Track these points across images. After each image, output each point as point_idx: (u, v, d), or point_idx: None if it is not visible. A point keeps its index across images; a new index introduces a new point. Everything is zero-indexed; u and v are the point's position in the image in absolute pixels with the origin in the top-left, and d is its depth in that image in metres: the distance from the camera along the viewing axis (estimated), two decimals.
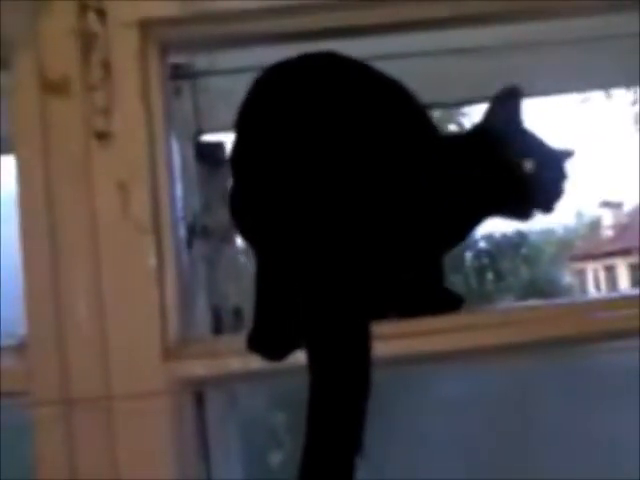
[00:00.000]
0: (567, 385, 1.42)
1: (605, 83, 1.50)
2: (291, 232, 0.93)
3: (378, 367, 0.92)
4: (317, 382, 0.90)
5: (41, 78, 1.02)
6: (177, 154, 1.14)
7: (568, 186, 1.06)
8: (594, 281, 12.19)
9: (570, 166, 1.06)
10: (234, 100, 1.00)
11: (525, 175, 1.02)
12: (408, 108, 1.00)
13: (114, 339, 1.00)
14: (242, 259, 1.34)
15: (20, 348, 1.02)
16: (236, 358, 1.01)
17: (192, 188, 1.28)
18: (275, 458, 1.38)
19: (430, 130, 1.02)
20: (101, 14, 1.02)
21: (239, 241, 1.32)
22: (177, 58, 1.22)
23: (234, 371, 1.03)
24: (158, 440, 1.00)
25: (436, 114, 1.05)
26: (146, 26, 1.04)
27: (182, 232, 1.15)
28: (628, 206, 12.43)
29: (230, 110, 1.01)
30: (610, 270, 12.01)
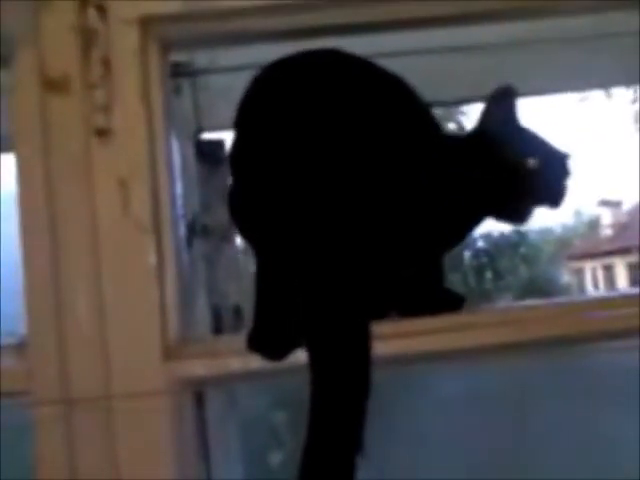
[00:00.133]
0: (566, 384, 1.42)
1: (605, 82, 1.50)
2: (291, 231, 0.93)
3: (378, 366, 0.92)
4: (318, 381, 0.90)
5: (41, 75, 1.02)
6: (177, 152, 1.14)
7: (569, 184, 1.06)
8: (592, 280, 12.20)
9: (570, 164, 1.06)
10: (234, 98, 1.00)
11: (527, 174, 1.02)
12: (410, 106, 0.99)
13: (114, 338, 1.00)
14: (242, 258, 1.34)
15: (20, 347, 1.02)
16: (236, 358, 1.01)
17: (192, 187, 1.28)
18: (275, 458, 1.38)
19: (432, 128, 1.02)
20: (101, 11, 1.02)
21: (239, 240, 1.31)
22: (177, 56, 1.22)
23: (234, 371, 1.03)
24: (158, 440, 1.00)
25: (435, 112, 1.05)
26: (146, 23, 1.04)
27: (182, 231, 1.15)
28: (627, 205, 12.45)
29: (230, 108, 1.00)
30: (609, 269, 12.03)
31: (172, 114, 1.12)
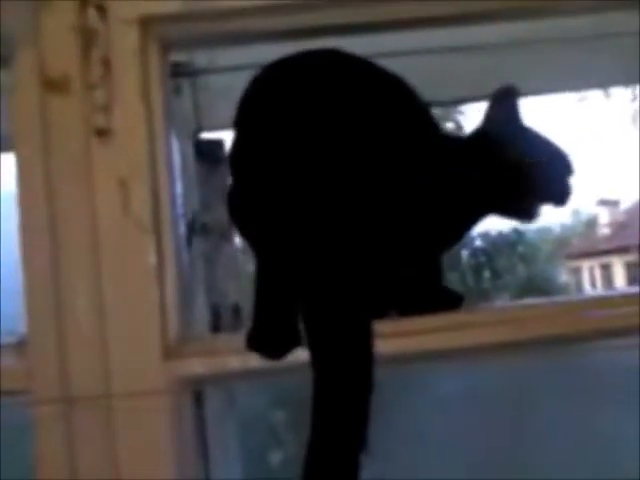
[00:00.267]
0: (564, 383, 1.43)
1: (604, 82, 1.50)
2: (291, 230, 0.93)
3: (377, 365, 0.92)
4: (321, 380, 0.90)
5: (41, 75, 1.02)
6: (177, 152, 1.14)
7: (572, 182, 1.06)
8: (590, 279, 12.20)
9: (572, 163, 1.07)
10: (234, 98, 1.00)
11: (530, 172, 1.02)
12: (410, 106, 1.00)
13: (114, 338, 1.00)
14: (241, 257, 1.34)
15: (20, 346, 1.02)
16: (235, 357, 1.01)
17: (191, 186, 1.28)
18: (275, 457, 1.38)
19: (432, 128, 1.02)
20: (101, 11, 1.02)
21: (238, 239, 1.31)
22: (177, 56, 1.22)
23: (233, 370, 1.03)
24: (157, 438, 1.00)
25: (434, 112, 1.05)
26: (146, 23, 1.04)
27: (182, 230, 1.15)
28: (625, 204, 12.45)
29: (230, 108, 1.01)
30: (606, 268, 12.03)
31: (172, 114, 1.12)
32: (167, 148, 1.06)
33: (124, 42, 1.03)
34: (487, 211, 1.05)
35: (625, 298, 1.11)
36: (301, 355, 0.94)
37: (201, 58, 1.28)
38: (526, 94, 1.32)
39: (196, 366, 1.03)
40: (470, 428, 1.40)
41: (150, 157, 1.03)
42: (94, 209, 1.01)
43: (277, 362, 0.98)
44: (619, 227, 12.06)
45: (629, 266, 11.19)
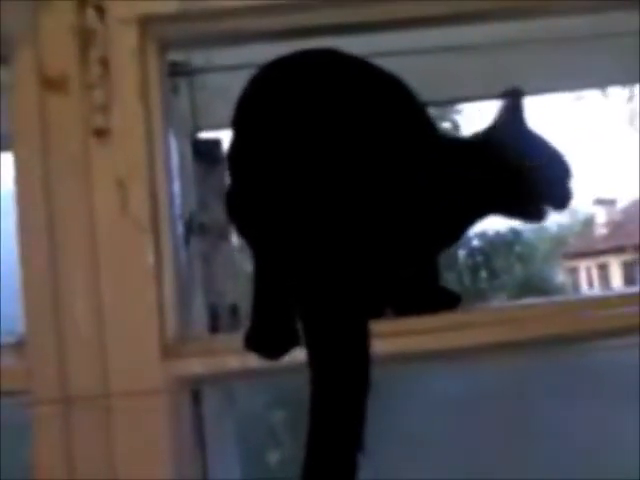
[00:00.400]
0: (563, 383, 1.43)
1: (601, 81, 1.50)
2: (288, 230, 0.93)
3: (374, 365, 0.92)
4: (318, 380, 0.91)
5: (40, 75, 1.02)
6: (174, 151, 1.14)
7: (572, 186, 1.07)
8: (587, 279, 12.20)
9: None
10: (231, 97, 1.00)
11: (530, 176, 1.02)
12: (407, 106, 1.00)
13: (112, 337, 1.00)
14: (238, 257, 1.34)
15: (19, 346, 1.02)
16: (234, 356, 1.01)
17: (189, 185, 1.28)
18: (273, 456, 1.38)
19: (429, 128, 1.02)
20: (100, 11, 1.02)
21: (235, 239, 1.31)
22: (174, 55, 1.22)
23: (232, 369, 1.03)
24: (156, 438, 1.00)
25: (431, 111, 1.06)
26: (145, 23, 1.04)
27: (180, 230, 1.15)
28: (622, 203, 12.44)
29: (227, 107, 1.01)
30: (603, 268, 12.03)
31: (170, 114, 1.12)
32: (165, 148, 1.07)
33: (122, 42, 1.03)
34: (486, 212, 1.06)
35: (623, 298, 1.11)
36: (299, 355, 0.94)
37: (198, 58, 1.28)
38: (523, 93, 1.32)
39: (194, 366, 1.03)
40: (468, 428, 1.40)
41: (148, 157, 1.03)
42: (92, 209, 1.01)
43: (275, 362, 0.98)
44: (616, 227, 12.06)
45: (626, 266, 11.19)
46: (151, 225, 1.02)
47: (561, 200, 1.06)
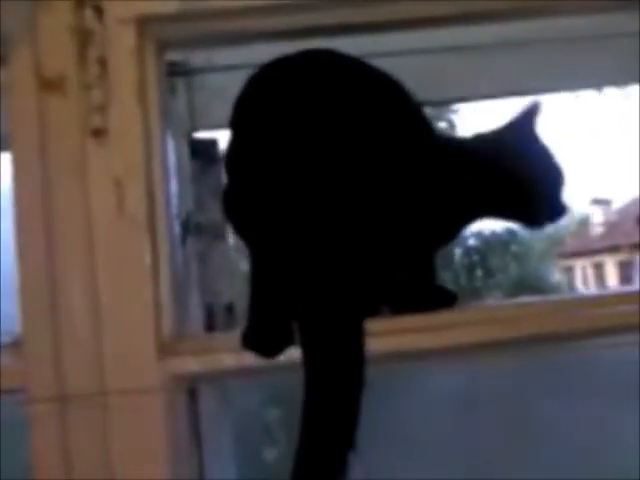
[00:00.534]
0: (558, 381, 1.43)
1: (600, 82, 1.50)
2: (285, 230, 0.94)
3: (369, 364, 0.93)
4: (311, 379, 0.91)
5: (38, 75, 1.02)
6: (172, 152, 1.14)
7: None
8: (582, 278, 12.20)
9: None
10: (229, 97, 1.01)
11: (526, 185, 1.03)
12: (404, 107, 1.00)
13: (109, 336, 1.00)
14: (234, 256, 1.34)
15: (16, 345, 1.02)
16: (230, 354, 1.02)
17: (186, 185, 1.28)
18: (269, 454, 1.39)
19: (425, 129, 1.03)
20: (98, 11, 1.02)
21: (231, 238, 1.32)
22: (173, 55, 1.22)
23: (228, 367, 1.03)
24: (152, 436, 1.00)
25: (427, 111, 1.06)
26: (143, 23, 1.04)
27: (177, 229, 1.15)
28: (617, 203, 12.45)
29: (225, 108, 1.01)
30: (599, 267, 12.03)
31: (168, 114, 1.12)
32: (162, 148, 1.07)
33: (120, 42, 1.03)
34: (480, 214, 1.06)
35: (618, 297, 1.12)
36: (295, 354, 0.95)
37: (196, 58, 1.29)
38: (520, 94, 1.33)
39: (191, 364, 1.03)
40: (465, 427, 1.40)
41: (146, 157, 1.03)
42: (89, 208, 1.01)
43: (271, 360, 0.98)
44: (612, 226, 12.06)
45: (621, 265, 11.20)
46: (148, 224, 1.02)
47: (551, 213, 1.06)
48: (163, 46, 1.09)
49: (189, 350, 1.03)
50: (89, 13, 1.02)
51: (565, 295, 2.16)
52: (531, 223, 1.07)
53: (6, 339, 1.07)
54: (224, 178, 1.01)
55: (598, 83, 1.53)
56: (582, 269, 12.32)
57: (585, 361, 1.41)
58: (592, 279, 12.03)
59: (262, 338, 0.99)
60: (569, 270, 12.20)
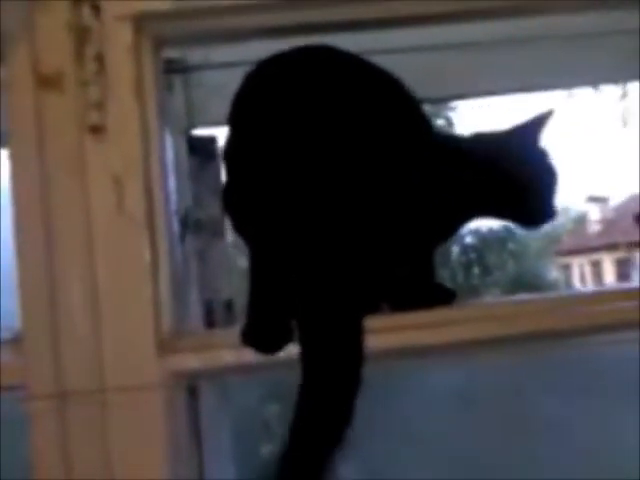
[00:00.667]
0: (557, 378, 1.43)
1: (596, 79, 1.50)
2: (285, 227, 0.94)
3: (368, 360, 0.93)
4: (306, 375, 0.91)
5: (35, 72, 1.02)
6: (170, 149, 1.14)
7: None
8: (580, 276, 12.21)
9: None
10: (226, 94, 1.01)
11: (523, 186, 1.03)
12: (403, 104, 1.00)
13: (108, 332, 1.01)
14: (233, 252, 1.34)
15: (15, 342, 1.02)
16: (229, 351, 1.02)
17: (184, 182, 1.28)
18: (267, 449, 1.39)
19: (424, 126, 1.03)
20: (95, 8, 1.02)
21: (230, 235, 1.32)
22: (170, 52, 1.22)
23: (227, 364, 1.03)
24: (151, 433, 1.00)
25: (425, 108, 1.06)
26: (140, 20, 1.04)
27: (175, 226, 1.15)
28: (615, 201, 12.46)
29: (222, 105, 1.01)
30: (596, 265, 12.05)
31: (165, 111, 1.12)
32: (161, 145, 1.07)
33: (118, 39, 1.03)
34: (477, 212, 1.07)
35: (615, 294, 1.12)
36: (294, 350, 0.94)
37: (194, 55, 1.29)
38: (519, 91, 1.33)
39: (190, 361, 1.03)
40: (462, 425, 1.40)
41: (144, 154, 1.04)
42: (88, 205, 1.01)
43: (271, 357, 0.98)
44: (609, 224, 12.07)
45: (619, 263, 11.22)
46: (147, 221, 1.03)
47: (544, 215, 1.07)
48: (160, 43, 1.09)
49: (189, 347, 1.03)
50: (86, 10, 1.02)
51: (563, 292, 2.16)
52: (526, 223, 1.08)
53: (6, 335, 1.07)
54: (222, 175, 1.01)
55: (596, 80, 1.53)
56: (580, 267, 12.33)
57: (584, 358, 1.41)
58: (590, 277, 12.04)
59: (261, 335, 0.99)
60: (567, 268, 12.21)
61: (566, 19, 1.23)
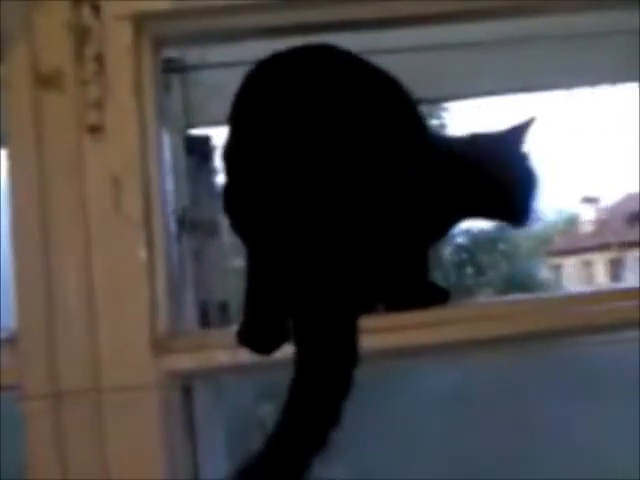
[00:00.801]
0: (551, 378, 1.44)
1: (593, 80, 1.50)
2: (281, 227, 0.94)
3: (363, 361, 0.93)
4: (298, 374, 0.91)
5: (34, 72, 1.02)
6: (167, 149, 1.14)
7: (547, 183, 1.09)
8: (572, 276, 12.23)
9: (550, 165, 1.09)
10: (223, 94, 1.01)
11: (506, 189, 1.05)
12: (401, 104, 1.00)
13: (104, 332, 1.01)
14: (228, 253, 1.34)
15: (11, 342, 1.02)
16: (224, 351, 1.02)
17: (181, 182, 1.29)
18: None
19: (420, 128, 1.03)
20: (95, 8, 1.02)
21: (225, 235, 1.32)
22: (169, 52, 1.22)
23: (222, 364, 1.04)
24: (147, 432, 1.00)
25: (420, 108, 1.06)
26: (139, 20, 1.04)
27: (172, 226, 1.15)
28: (606, 201, 12.50)
29: (220, 104, 1.01)
30: (588, 265, 12.07)
31: (163, 111, 1.12)
32: (159, 145, 1.07)
33: (117, 39, 1.03)
34: (466, 213, 1.07)
35: (612, 294, 1.12)
36: (289, 350, 0.94)
37: (192, 54, 1.29)
38: (517, 91, 1.33)
39: (185, 361, 1.03)
40: (458, 425, 1.41)
41: (142, 153, 1.04)
42: (86, 205, 1.01)
43: (265, 357, 0.99)
44: (601, 225, 12.10)
45: (611, 263, 11.25)
46: (144, 221, 1.03)
47: (525, 217, 1.09)
48: (160, 43, 1.09)
49: (184, 347, 1.03)
50: (86, 10, 1.02)
51: (559, 292, 2.17)
52: (511, 223, 1.09)
53: (1, 335, 1.07)
54: (218, 175, 1.01)
55: (594, 81, 1.53)
56: (571, 267, 12.35)
57: (580, 358, 1.41)
58: (581, 277, 12.06)
59: (258, 335, 0.99)
60: (558, 268, 12.23)
61: (564, 19, 1.23)
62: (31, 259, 1.01)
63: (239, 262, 1.02)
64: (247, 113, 0.98)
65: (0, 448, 1.16)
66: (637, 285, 1.10)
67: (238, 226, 0.99)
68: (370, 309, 1.01)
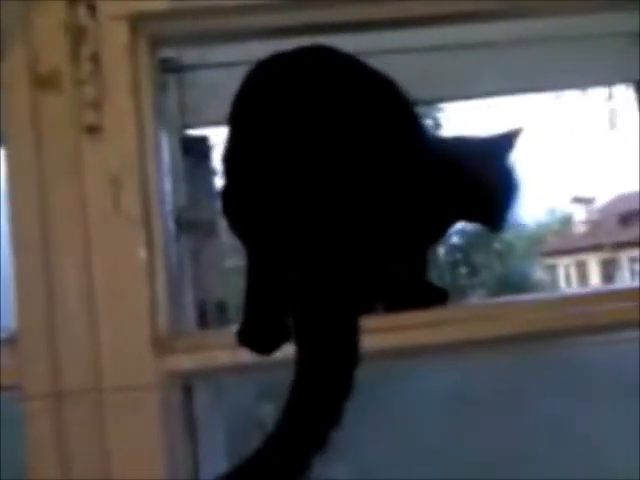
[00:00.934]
0: (552, 378, 1.44)
1: (590, 82, 1.51)
2: (281, 227, 0.94)
3: (362, 361, 0.93)
4: (299, 374, 0.91)
5: (32, 72, 1.02)
6: (165, 149, 1.14)
7: (539, 183, 1.10)
8: (565, 276, 12.26)
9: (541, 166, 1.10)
10: (221, 95, 1.01)
11: (485, 194, 1.06)
12: (398, 105, 1.01)
13: (104, 332, 1.01)
14: (226, 252, 1.34)
15: (11, 342, 1.02)
16: (224, 351, 1.02)
17: (178, 182, 1.28)
18: None
19: (417, 130, 1.03)
20: (91, 8, 1.02)
21: (223, 236, 1.32)
22: (165, 52, 1.22)
23: (222, 364, 1.04)
24: (147, 432, 1.00)
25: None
26: (136, 20, 1.04)
27: (171, 225, 1.15)
28: (600, 202, 12.52)
29: (217, 105, 1.01)
30: (581, 265, 12.09)
31: (161, 111, 1.12)
32: (157, 144, 1.07)
33: (114, 39, 1.03)
34: (458, 215, 1.08)
35: (605, 295, 1.13)
36: (289, 350, 0.94)
37: (188, 54, 1.29)
38: (514, 92, 1.33)
39: (186, 361, 1.03)
40: (457, 425, 1.41)
41: (140, 153, 1.04)
42: (85, 205, 1.01)
43: (265, 357, 0.99)
44: (594, 225, 12.12)
45: (604, 263, 11.28)
46: (143, 221, 1.03)
47: (505, 221, 1.10)
48: (156, 43, 1.09)
49: (184, 347, 1.03)
50: (82, 10, 1.03)
51: (557, 293, 2.16)
52: (490, 227, 1.11)
53: (2, 335, 1.07)
54: (215, 175, 1.01)
55: (586, 83, 1.53)
56: (565, 267, 12.38)
57: (579, 358, 1.42)
58: (575, 277, 12.09)
59: (258, 335, 0.99)
60: (552, 268, 12.25)
61: (562, 22, 1.24)
62: (31, 259, 1.01)
63: (237, 262, 1.02)
64: (246, 114, 0.98)
65: (0, 448, 1.16)
66: (631, 285, 1.10)
67: (237, 227, 0.99)
68: (370, 309, 1.01)
